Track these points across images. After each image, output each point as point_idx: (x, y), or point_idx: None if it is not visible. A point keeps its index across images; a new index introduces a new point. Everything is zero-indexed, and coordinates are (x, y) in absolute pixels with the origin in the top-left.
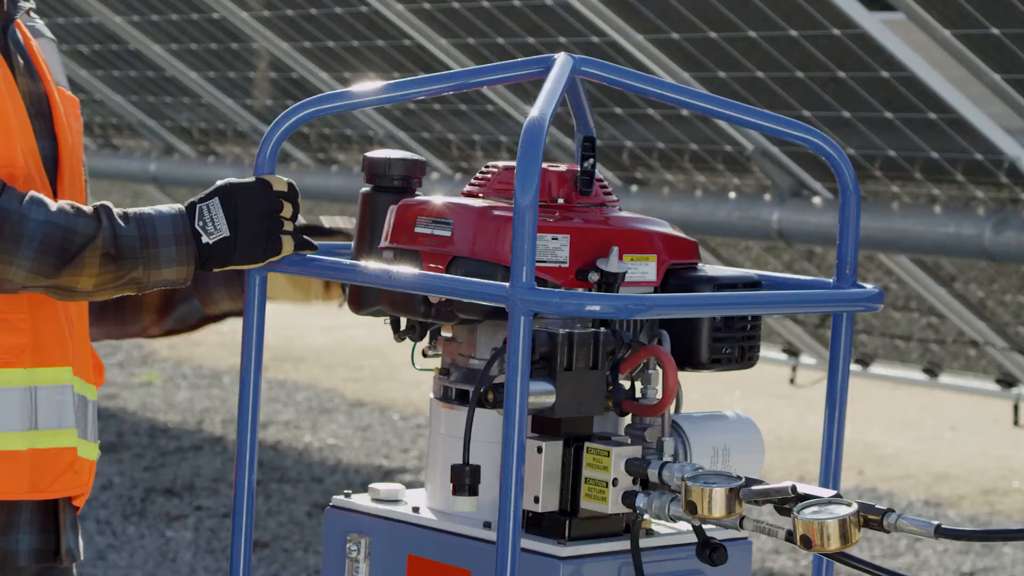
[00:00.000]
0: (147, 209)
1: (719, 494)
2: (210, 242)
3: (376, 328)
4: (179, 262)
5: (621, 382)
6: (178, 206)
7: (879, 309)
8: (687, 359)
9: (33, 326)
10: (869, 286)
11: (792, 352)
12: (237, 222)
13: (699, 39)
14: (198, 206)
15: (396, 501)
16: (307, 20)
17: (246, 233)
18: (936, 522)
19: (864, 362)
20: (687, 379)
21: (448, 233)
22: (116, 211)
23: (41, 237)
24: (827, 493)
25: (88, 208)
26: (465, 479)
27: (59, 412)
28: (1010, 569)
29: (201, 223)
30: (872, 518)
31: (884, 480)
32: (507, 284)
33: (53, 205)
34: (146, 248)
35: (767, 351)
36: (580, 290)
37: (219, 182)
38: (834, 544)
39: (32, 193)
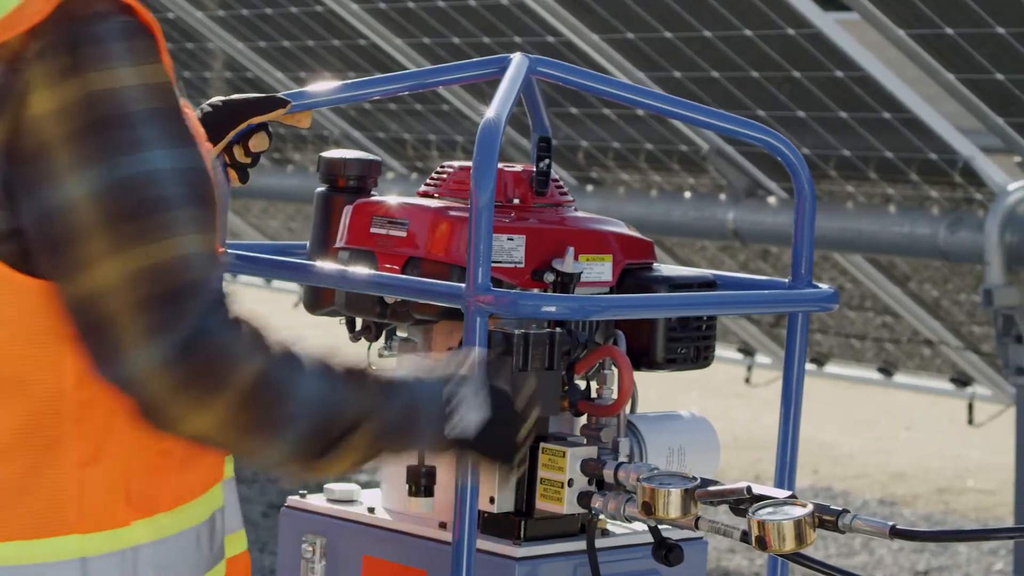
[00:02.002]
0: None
1: (675, 495)
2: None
3: (332, 328)
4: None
5: (577, 382)
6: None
7: (834, 309)
8: (643, 359)
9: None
10: (824, 286)
11: (747, 352)
12: (486, 433)
13: (654, 39)
14: (458, 395)
15: (351, 501)
16: (262, 20)
17: (487, 444)
18: (891, 523)
19: (819, 361)
20: (643, 379)
21: (403, 234)
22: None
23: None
24: (782, 494)
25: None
26: (420, 480)
27: (232, 512)
28: (964, 568)
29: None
30: (827, 519)
31: (839, 479)
32: (463, 285)
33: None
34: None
35: (722, 351)
36: (536, 291)
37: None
38: (789, 545)
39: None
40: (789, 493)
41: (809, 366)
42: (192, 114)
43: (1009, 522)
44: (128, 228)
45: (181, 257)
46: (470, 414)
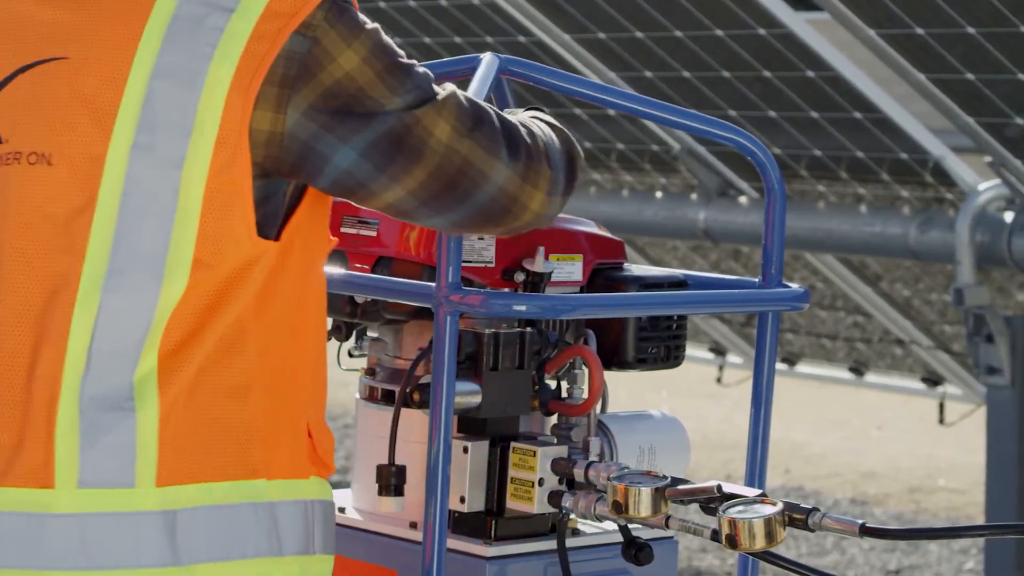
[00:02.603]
0: None
1: (645, 494)
2: None
3: None
4: None
5: (547, 382)
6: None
7: (804, 308)
8: (613, 358)
9: None
10: (795, 285)
11: (719, 351)
12: None
13: (625, 39)
14: None
15: None
16: None
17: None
18: (860, 521)
19: (790, 361)
20: (614, 379)
21: (374, 233)
22: None
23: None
24: (752, 492)
25: None
26: (390, 480)
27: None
28: (935, 567)
29: None
30: (797, 517)
31: (811, 479)
32: (433, 284)
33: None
34: None
35: (694, 350)
36: (507, 290)
37: None
38: (759, 543)
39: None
40: (759, 492)
41: (780, 366)
42: None
43: (980, 521)
44: (486, 133)
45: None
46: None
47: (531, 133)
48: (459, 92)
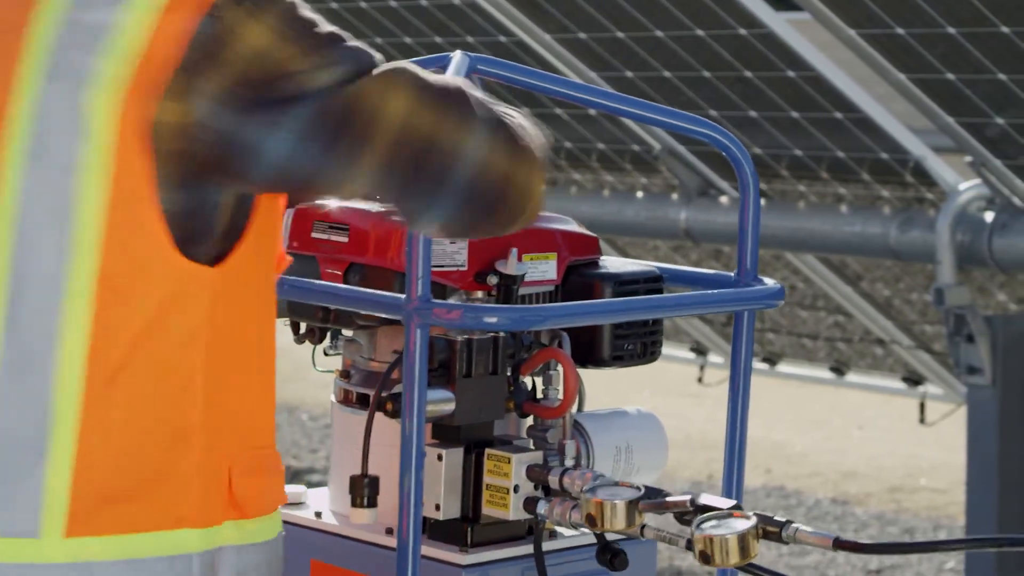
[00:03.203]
0: None
1: (619, 507)
2: None
3: (281, 328)
4: None
5: (522, 383)
6: None
7: (780, 305)
8: (589, 356)
9: None
10: (770, 282)
11: (700, 351)
12: None
13: (606, 38)
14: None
15: (299, 504)
16: None
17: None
18: (835, 534)
19: (771, 361)
20: (595, 377)
21: (345, 239)
22: None
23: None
24: (726, 504)
25: None
26: (363, 491)
27: None
28: (916, 567)
29: None
30: (771, 530)
31: (792, 478)
32: (403, 296)
33: None
34: None
35: (675, 350)
36: (479, 293)
37: None
38: (733, 559)
39: None
40: (733, 503)
41: (761, 365)
42: None
43: (960, 521)
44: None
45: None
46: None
47: (507, 115)
48: (416, 67)
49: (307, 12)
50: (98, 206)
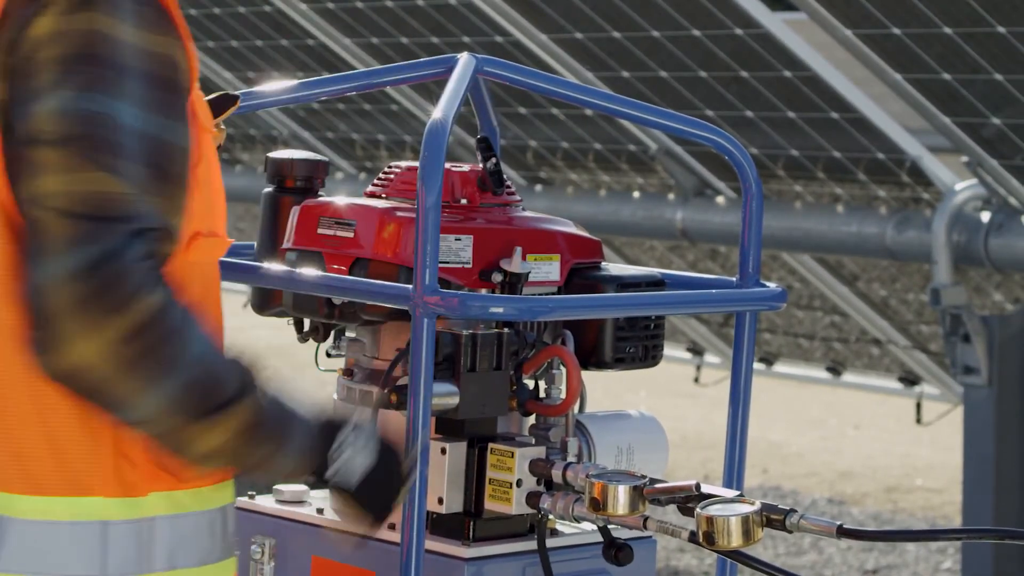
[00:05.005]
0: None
1: (623, 491)
2: (329, 479)
3: (281, 328)
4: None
5: (525, 382)
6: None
7: (781, 308)
8: (591, 358)
9: None
10: (772, 285)
11: (696, 351)
12: (367, 483)
13: (603, 39)
14: (342, 440)
15: (301, 503)
16: (211, 19)
17: (366, 495)
18: (838, 522)
19: (768, 361)
20: (593, 378)
21: (351, 234)
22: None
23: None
24: (730, 493)
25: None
26: None
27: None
28: (912, 567)
29: (336, 456)
30: (775, 518)
31: (788, 478)
32: (410, 286)
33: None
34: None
35: (672, 350)
36: (484, 291)
37: (382, 439)
38: (736, 541)
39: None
40: (737, 492)
41: (758, 365)
42: (201, 99)
43: (956, 520)
44: (79, 152)
45: (121, 194)
46: (357, 459)
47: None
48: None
49: (123, 35)
50: None
